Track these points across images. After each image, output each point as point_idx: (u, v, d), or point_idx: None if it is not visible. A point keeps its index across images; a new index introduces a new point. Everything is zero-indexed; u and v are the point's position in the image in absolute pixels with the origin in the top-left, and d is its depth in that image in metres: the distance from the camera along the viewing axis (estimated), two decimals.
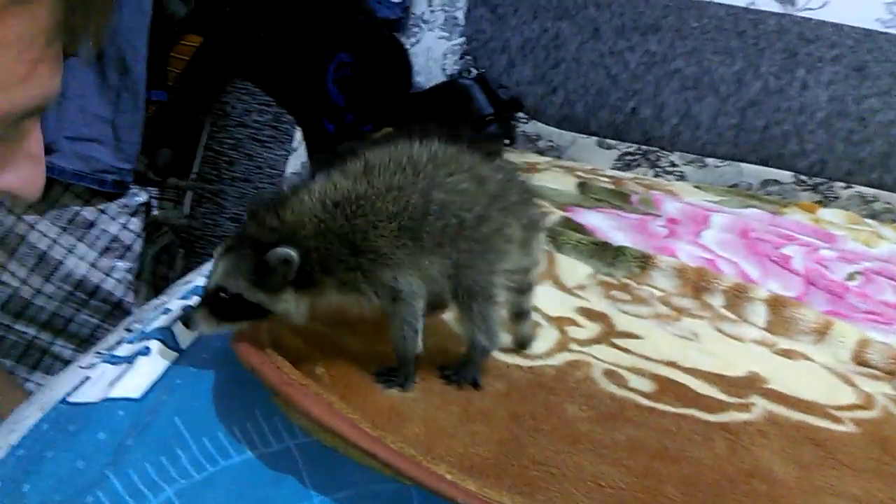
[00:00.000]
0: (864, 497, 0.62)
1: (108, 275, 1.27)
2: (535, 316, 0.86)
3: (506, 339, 0.78)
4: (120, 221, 1.27)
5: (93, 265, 1.25)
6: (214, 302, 0.60)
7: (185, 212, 1.24)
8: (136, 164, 1.29)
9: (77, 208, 1.23)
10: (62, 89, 1.28)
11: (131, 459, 0.53)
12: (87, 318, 1.27)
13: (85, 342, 1.29)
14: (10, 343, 1.24)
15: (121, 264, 1.28)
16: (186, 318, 0.62)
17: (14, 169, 0.46)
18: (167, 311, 0.75)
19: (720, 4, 1.92)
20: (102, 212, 1.26)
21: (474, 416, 0.63)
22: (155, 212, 1.40)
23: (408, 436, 0.58)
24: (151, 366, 0.64)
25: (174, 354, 0.66)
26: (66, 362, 1.28)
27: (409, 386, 0.64)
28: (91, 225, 1.25)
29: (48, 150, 1.19)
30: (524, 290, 0.73)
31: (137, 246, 1.31)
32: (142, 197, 1.30)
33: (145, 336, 0.69)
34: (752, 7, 1.95)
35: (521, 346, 0.77)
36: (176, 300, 0.77)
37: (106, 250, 1.27)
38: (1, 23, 0.37)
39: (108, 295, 1.27)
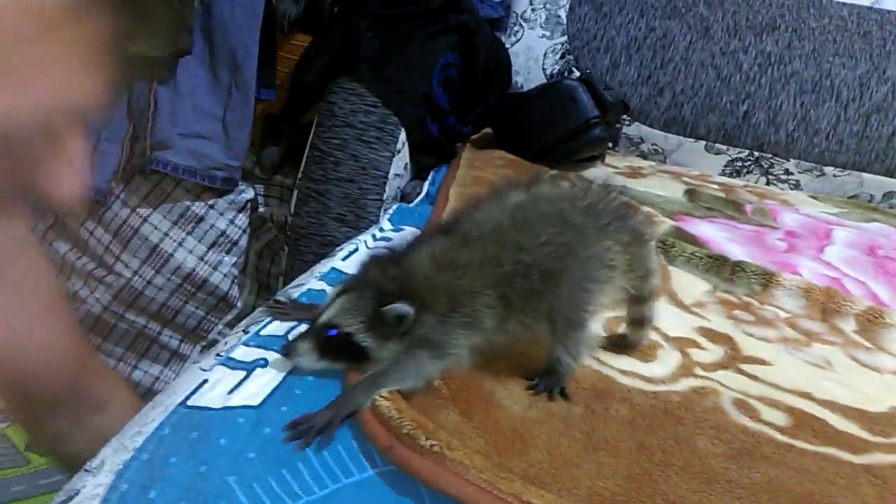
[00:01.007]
0: None
1: (215, 269, 1.30)
2: (653, 335, 0.82)
3: (626, 361, 0.75)
4: (227, 217, 1.30)
5: (201, 259, 1.28)
6: (320, 337, 0.62)
7: (290, 210, 1.25)
8: (245, 161, 1.31)
9: (187, 203, 1.26)
10: (177, 86, 1.32)
11: (254, 472, 0.52)
12: (194, 310, 1.30)
13: (191, 333, 1.32)
14: (121, 331, 1.29)
15: (227, 259, 1.31)
16: (288, 348, 0.62)
17: (50, 171, 0.45)
18: None
19: (842, 3, 1.81)
20: (211, 207, 1.28)
21: (599, 445, 0.59)
22: (261, 209, 1.42)
23: (532, 463, 0.55)
24: (269, 374, 0.63)
25: (291, 364, 0.65)
26: (173, 352, 1.32)
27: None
28: (200, 220, 1.28)
29: (163, 146, 1.22)
30: (643, 299, 0.72)
31: (243, 242, 1.33)
32: (249, 194, 1.32)
33: (262, 342, 0.69)
34: (877, 7, 1.83)
35: (622, 345, 0.76)
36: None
37: (214, 245, 1.29)
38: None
39: (215, 288, 1.30)
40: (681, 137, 1.79)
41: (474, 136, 1.57)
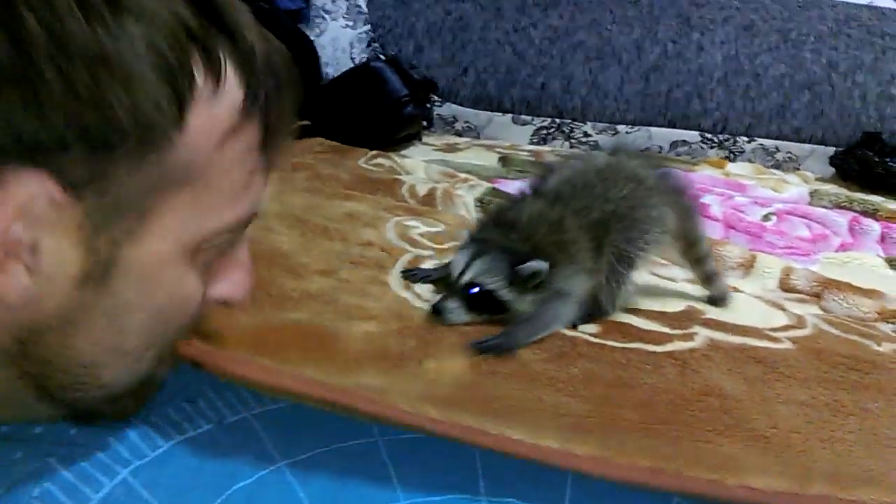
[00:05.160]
0: (809, 401, 0.65)
1: None
2: None
3: None
4: None
5: None
6: (464, 295, 0.71)
7: None
8: None
9: None
10: None
11: (78, 449, 0.49)
12: None
13: None
14: None
15: None
16: (440, 308, 0.71)
17: (227, 278, 0.50)
18: None
19: None
20: None
21: (431, 366, 0.62)
22: None
23: (365, 385, 0.57)
24: None
25: None
26: None
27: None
28: None
29: None
30: (700, 259, 0.88)
31: None
32: None
33: None
34: None
35: (716, 303, 0.88)
36: None
37: None
38: (233, 139, 0.44)
39: None
40: (489, 113, 1.88)
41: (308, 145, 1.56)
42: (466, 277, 0.72)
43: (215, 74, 0.42)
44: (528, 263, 0.70)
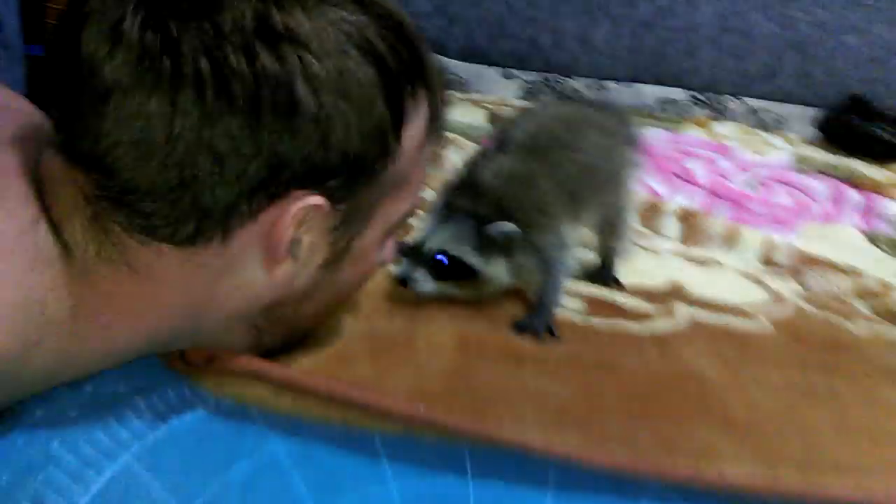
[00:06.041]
0: (785, 386, 0.67)
1: None
2: None
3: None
4: None
5: None
6: (431, 263, 0.70)
7: None
8: None
9: None
10: None
11: (79, 431, 0.51)
12: None
13: None
14: None
15: None
16: (406, 277, 0.70)
17: (387, 245, 0.60)
18: None
19: None
20: None
21: (421, 350, 0.64)
22: None
23: (357, 377, 0.59)
24: None
25: None
26: None
27: (546, 332, 0.70)
28: None
29: None
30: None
31: None
32: None
33: None
34: None
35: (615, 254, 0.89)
36: None
37: None
38: (426, 141, 0.54)
39: None
40: (478, 66, 1.86)
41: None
42: (432, 245, 0.70)
43: (414, 93, 0.51)
44: (499, 226, 0.69)
